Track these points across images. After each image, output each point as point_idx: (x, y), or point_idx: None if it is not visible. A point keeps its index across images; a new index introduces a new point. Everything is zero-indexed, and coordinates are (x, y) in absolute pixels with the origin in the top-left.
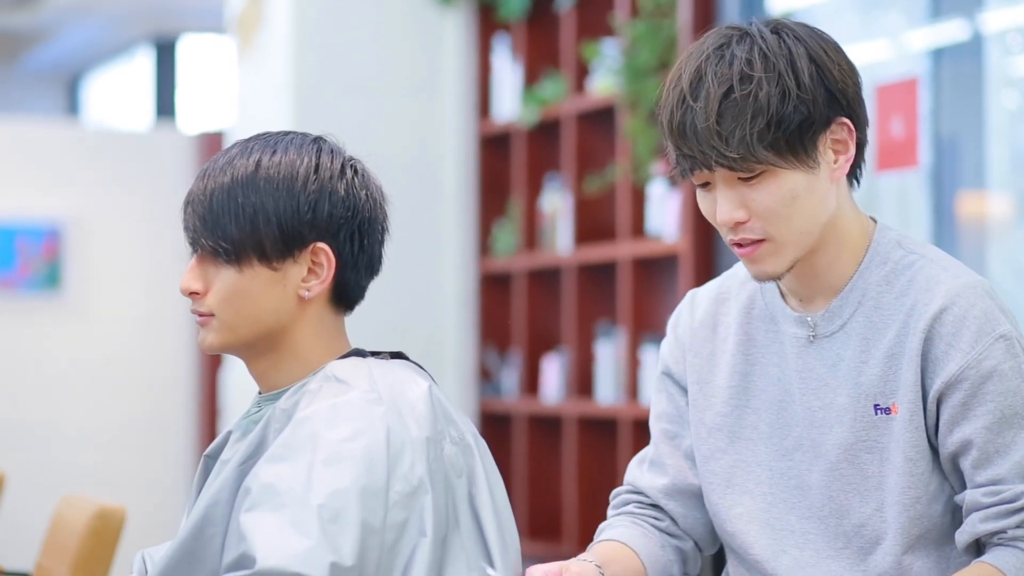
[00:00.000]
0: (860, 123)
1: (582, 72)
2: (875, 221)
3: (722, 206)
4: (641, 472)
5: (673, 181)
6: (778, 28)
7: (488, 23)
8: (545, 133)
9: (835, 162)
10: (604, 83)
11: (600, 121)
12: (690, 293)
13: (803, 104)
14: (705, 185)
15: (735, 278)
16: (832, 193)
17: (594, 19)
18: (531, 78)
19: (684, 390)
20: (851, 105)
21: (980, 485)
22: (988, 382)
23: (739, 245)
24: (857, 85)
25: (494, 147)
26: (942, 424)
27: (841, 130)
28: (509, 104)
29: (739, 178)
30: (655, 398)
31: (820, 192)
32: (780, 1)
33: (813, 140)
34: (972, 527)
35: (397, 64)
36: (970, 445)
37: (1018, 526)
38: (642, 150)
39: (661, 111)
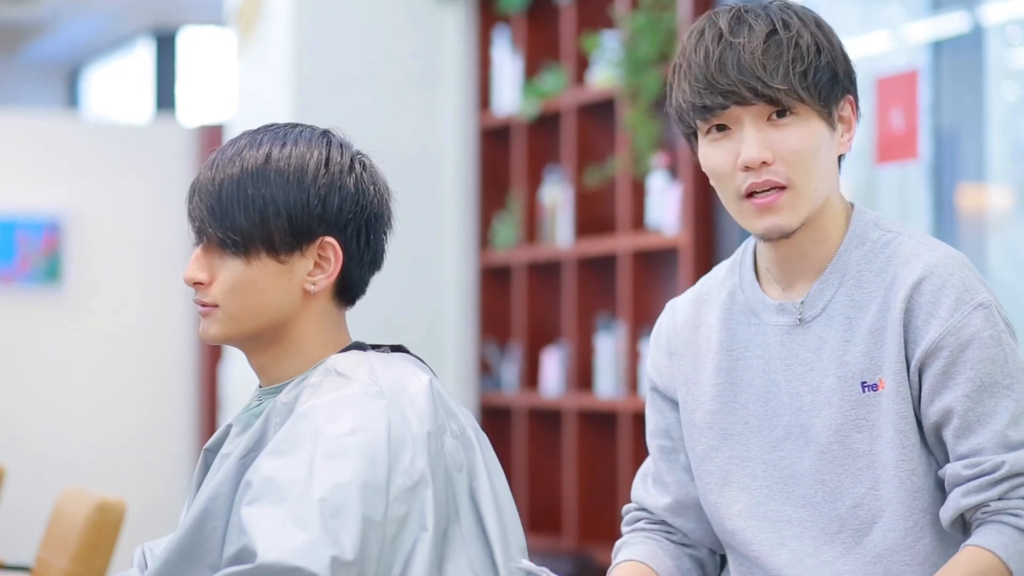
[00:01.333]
0: (858, 107)
1: (582, 65)
2: (852, 205)
3: (750, 145)
4: (646, 490)
5: (671, 166)
6: (786, 5)
7: (488, 15)
8: (545, 126)
9: (842, 135)
10: (604, 75)
11: (600, 114)
12: (669, 304)
13: (833, 61)
14: (722, 130)
15: (715, 278)
16: (836, 167)
17: (594, 11)
18: (531, 71)
19: (673, 403)
20: (855, 86)
21: (961, 456)
22: (967, 350)
23: (755, 196)
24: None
25: (494, 140)
26: (924, 394)
27: (847, 107)
28: (509, 97)
29: (769, 118)
30: (648, 413)
31: (832, 158)
32: None
33: (837, 99)
34: (955, 502)
35: (397, 57)
36: (951, 414)
37: (1000, 498)
38: (642, 143)
39: (683, 59)
